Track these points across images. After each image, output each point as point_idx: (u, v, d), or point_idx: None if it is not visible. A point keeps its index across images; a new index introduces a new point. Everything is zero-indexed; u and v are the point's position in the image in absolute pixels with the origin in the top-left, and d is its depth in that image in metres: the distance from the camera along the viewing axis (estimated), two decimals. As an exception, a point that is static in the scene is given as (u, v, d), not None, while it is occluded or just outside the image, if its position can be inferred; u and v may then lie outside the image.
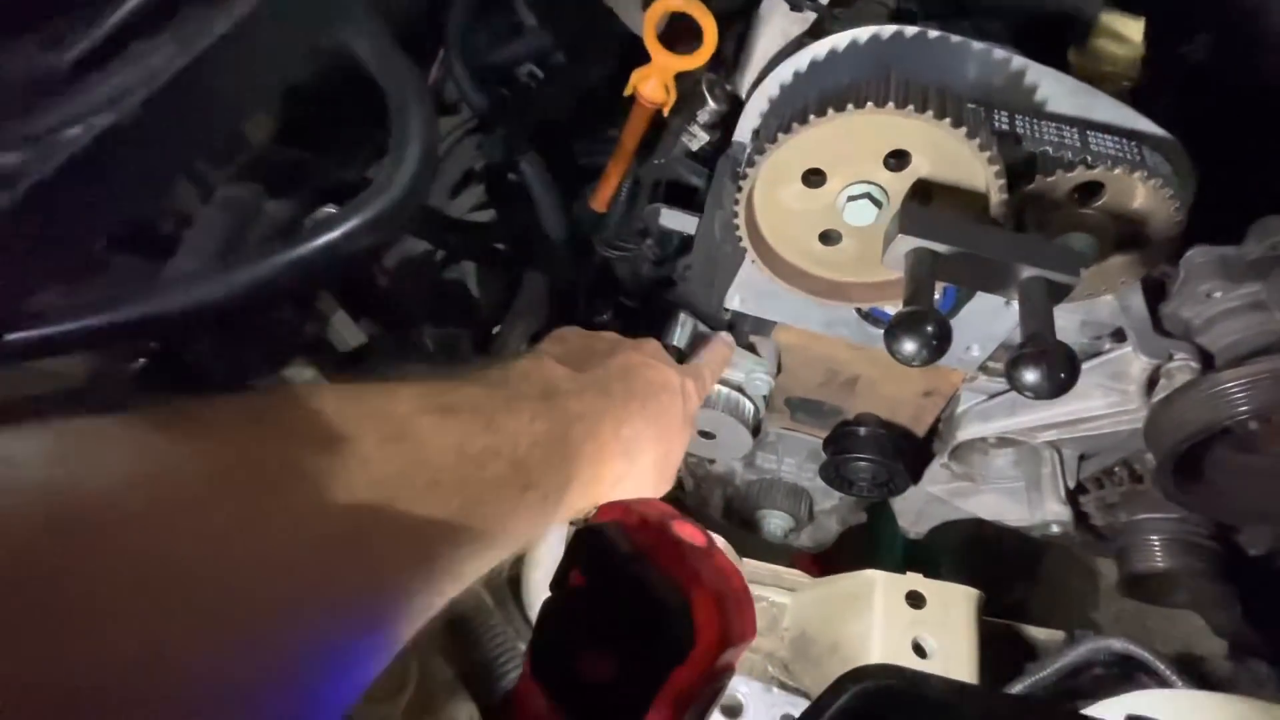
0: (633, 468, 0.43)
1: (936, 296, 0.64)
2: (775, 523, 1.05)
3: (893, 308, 0.66)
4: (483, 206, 1.15)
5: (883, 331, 0.47)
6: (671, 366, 0.51)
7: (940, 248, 0.48)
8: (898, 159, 0.53)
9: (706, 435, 0.89)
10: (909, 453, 0.89)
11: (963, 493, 0.93)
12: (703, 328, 0.81)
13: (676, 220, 0.74)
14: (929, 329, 0.43)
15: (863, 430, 0.88)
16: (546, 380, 0.39)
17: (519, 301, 0.72)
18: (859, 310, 0.72)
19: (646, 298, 0.84)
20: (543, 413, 0.36)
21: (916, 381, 0.84)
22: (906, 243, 0.49)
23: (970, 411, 0.83)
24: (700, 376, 0.61)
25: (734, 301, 0.76)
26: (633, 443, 0.43)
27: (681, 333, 0.79)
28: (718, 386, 0.86)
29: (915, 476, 0.93)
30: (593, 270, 0.82)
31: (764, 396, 0.88)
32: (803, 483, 1.06)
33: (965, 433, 0.83)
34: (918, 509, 1.04)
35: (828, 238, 0.62)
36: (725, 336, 0.77)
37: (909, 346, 0.44)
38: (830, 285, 0.65)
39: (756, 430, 0.99)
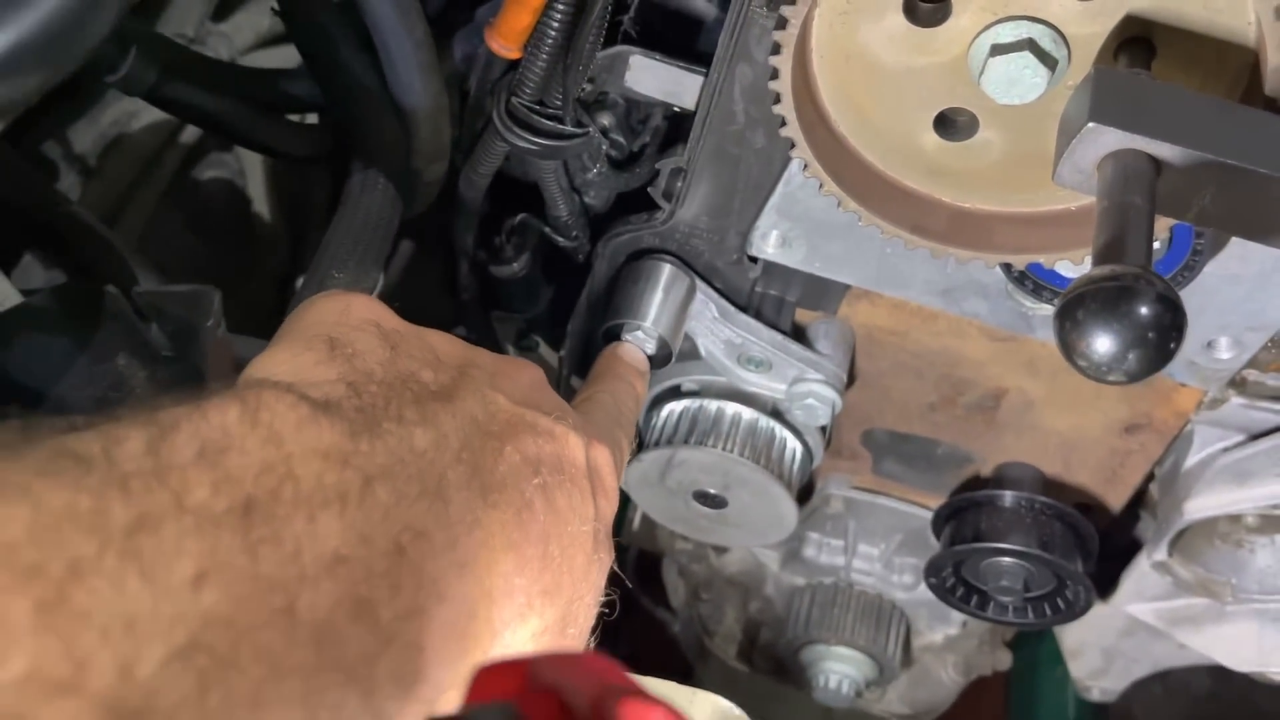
0: (524, 629, 0.45)
1: (1155, 246, 0.65)
2: (839, 671, 1.07)
3: (1071, 267, 0.66)
4: (276, 41, 1.13)
5: (1050, 311, 0.46)
6: (572, 428, 0.51)
7: (1169, 151, 0.48)
8: (1090, -27, 0.52)
9: (709, 501, 0.89)
10: (1092, 540, 0.90)
11: (1193, 617, 0.94)
12: (709, 300, 0.81)
13: (657, 78, 0.72)
14: (1145, 309, 0.43)
15: (1009, 497, 0.90)
16: (309, 443, 0.37)
17: (336, 231, 0.70)
18: (1006, 269, 0.71)
19: (596, 233, 0.83)
20: (333, 508, 0.35)
21: (1113, 406, 0.85)
22: (1104, 139, 0.48)
23: (1212, 467, 0.84)
24: (618, 445, 0.60)
25: (769, 242, 0.76)
26: (523, 594, 0.44)
27: (660, 310, 0.78)
28: (731, 408, 0.86)
29: (1103, 586, 0.95)
30: (486, 175, 0.80)
31: (822, 428, 0.88)
32: (892, 594, 1.09)
33: (1201, 505, 0.84)
34: (1106, 646, 1.07)
35: (950, 125, 0.61)
36: (627, 353, 0.75)
37: (1105, 343, 0.43)
38: (953, 218, 0.65)
39: (807, 494, 1.02)
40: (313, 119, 0.97)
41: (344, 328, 0.47)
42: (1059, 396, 0.86)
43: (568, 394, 0.76)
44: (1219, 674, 1.05)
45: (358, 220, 0.73)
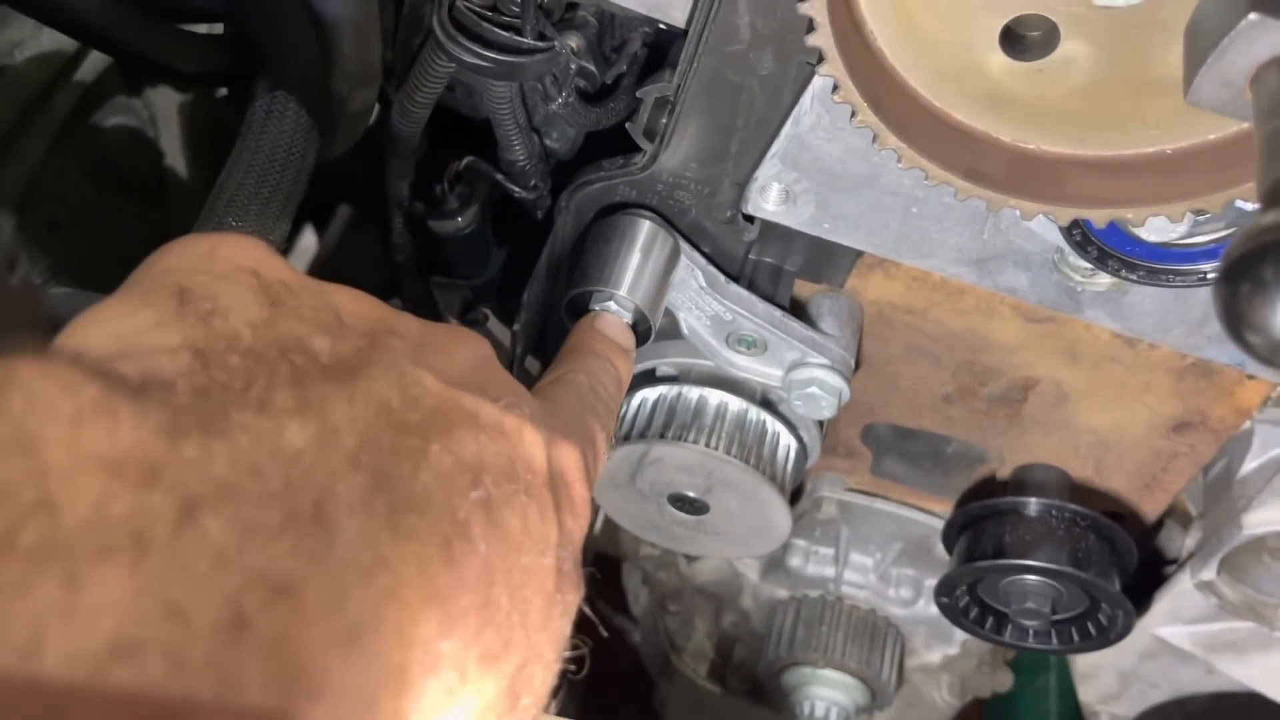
0: (455, 712, 0.32)
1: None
2: (826, 697, 0.96)
3: (1159, 227, 0.54)
4: None
5: (1108, 286, 0.35)
6: (527, 420, 0.39)
7: (1357, 56, 0.36)
8: None
9: (687, 506, 0.77)
10: (1131, 556, 0.80)
11: (1236, 643, 0.85)
12: (695, 267, 0.68)
13: (640, -14, 0.59)
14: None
15: (1034, 505, 0.79)
16: (90, 448, 0.24)
17: (234, 169, 0.57)
18: (1070, 230, 0.59)
19: (559, 182, 0.70)
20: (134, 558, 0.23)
21: (1163, 402, 0.75)
22: (1267, 39, 0.36)
23: (1278, 475, 0.73)
24: (591, 440, 0.47)
25: (769, 198, 0.65)
26: (452, 666, 0.31)
27: (637, 276, 0.65)
28: (715, 396, 0.74)
29: (1134, 604, 0.85)
30: (424, 105, 0.66)
31: (820, 423, 0.76)
32: (888, 610, 1.01)
33: (1265, 519, 0.74)
34: (1124, 669, 0.98)
35: (1019, 40, 0.49)
36: (607, 325, 0.61)
37: (1301, 317, 0.31)
38: (1016, 161, 0.53)
39: (794, 496, 0.91)
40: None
41: (205, 276, 0.34)
42: (1100, 389, 0.75)
43: (524, 379, 0.63)
44: (1233, 695, 0.98)
45: (260, 156, 0.60)
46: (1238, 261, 0.32)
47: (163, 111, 1.17)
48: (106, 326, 0.31)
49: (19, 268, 0.32)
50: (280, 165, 0.60)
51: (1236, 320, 0.33)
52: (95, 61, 1.02)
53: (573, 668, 0.40)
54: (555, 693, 0.40)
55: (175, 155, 1.18)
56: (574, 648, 0.40)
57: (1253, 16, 0.36)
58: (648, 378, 0.76)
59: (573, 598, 0.39)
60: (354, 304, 0.37)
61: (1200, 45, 0.39)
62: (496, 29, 0.57)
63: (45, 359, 0.25)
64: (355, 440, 0.30)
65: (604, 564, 1.20)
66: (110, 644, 0.21)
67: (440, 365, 0.37)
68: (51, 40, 1.01)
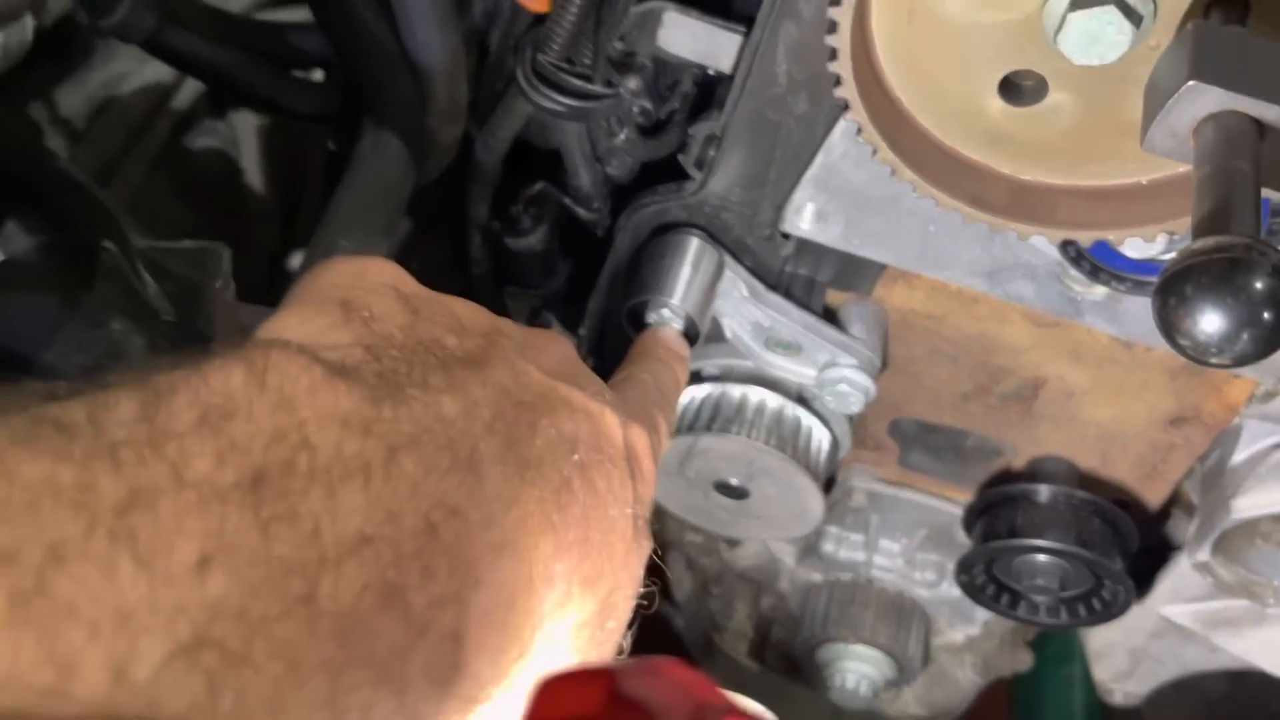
0: (563, 621, 0.41)
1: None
2: (857, 671, 1.03)
3: (1140, 246, 0.62)
4: (282, 1, 1.09)
5: (1104, 295, 0.43)
6: (608, 405, 0.47)
7: (1274, 114, 0.44)
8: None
9: (731, 492, 0.85)
10: (1132, 538, 0.87)
11: (1232, 620, 0.92)
12: (738, 279, 0.77)
13: (692, 37, 0.69)
14: (1260, 284, 0.39)
15: (1045, 491, 0.87)
16: (326, 408, 0.34)
17: (344, 194, 0.66)
18: (1062, 249, 0.68)
19: (617, 205, 0.79)
20: (346, 486, 0.32)
21: (1159, 398, 0.82)
22: (1204, 100, 0.45)
23: (1264, 464, 0.81)
24: (655, 427, 0.56)
25: (804, 217, 0.73)
26: (563, 582, 0.41)
27: (688, 287, 0.74)
28: (755, 393, 0.82)
29: (1138, 586, 0.92)
30: (505, 140, 0.76)
31: (851, 418, 0.84)
32: (914, 591, 1.06)
33: (1251, 504, 0.81)
34: (1134, 648, 1.04)
35: (1016, 89, 0.58)
36: (668, 337, 0.70)
37: (1214, 322, 0.40)
38: (1014, 190, 0.61)
39: (829, 486, 0.99)
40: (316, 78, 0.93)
41: (359, 290, 0.43)
42: (1102, 387, 0.82)
43: (588, 375, 0.72)
44: (1236, 677, 1.03)
45: (368, 184, 0.70)
46: (1167, 280, 0.41)
47: (244, 134, 1.26)
48: (293, 329, 0.40)
49: (229, 284, 0.41)
50: (383, 193, 0.69)
51: (1168, 327, 0.41)
52: (190, 90, 1.11)
53: (644, 603, 0.50)
54: (631, 624, 0.49)
55: (253, 173, 1.27)
56: (645, 586, 0.49)
57: (1192, 82, 0.45)
58: (695, 377, 0.84)
59: (646, 545, 0.48)
60: (469, 311, 0.47)
61: (1153, 102, 0.47)
62: (571, 78, 0.67)
63: (288, 347, 0.34)
64: (490, 413, 0.39)
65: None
66: (358, 535, 0.31)
67: (539, 360, 0.46)
68: (154, 72, 1.10)
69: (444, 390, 0.38)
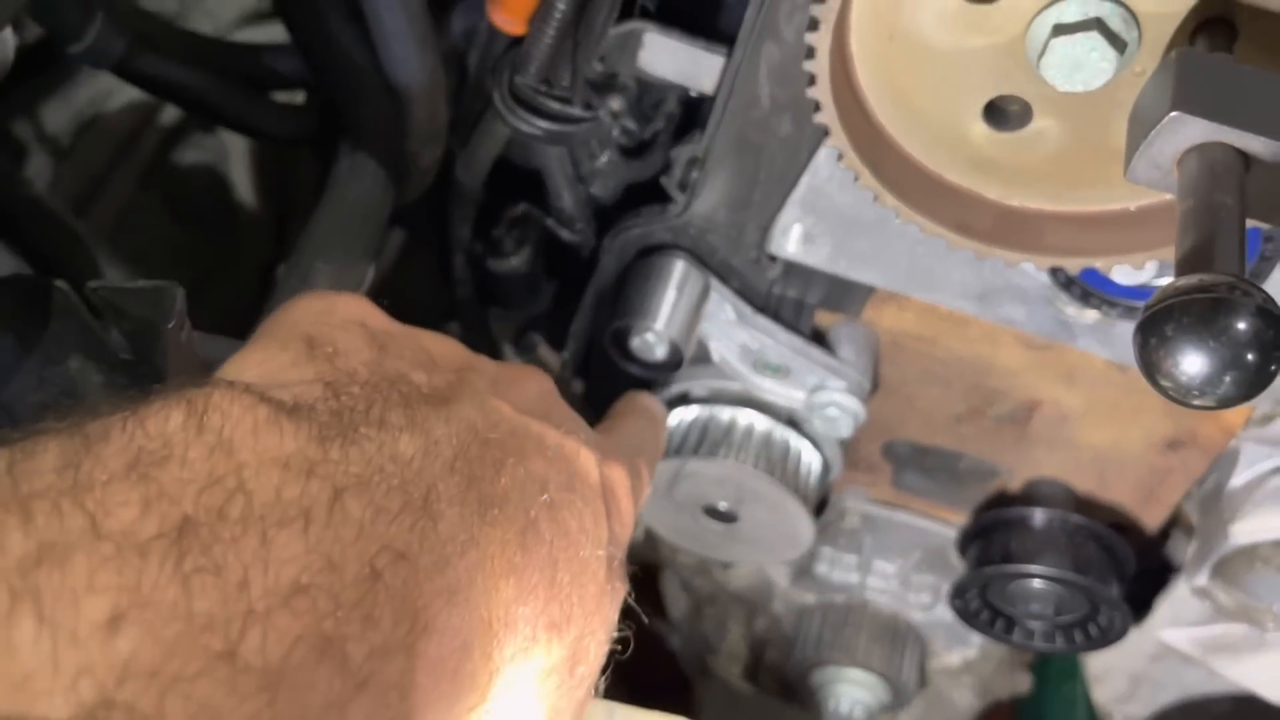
0: (528, 667, 0.40)
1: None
2: (851, 695, 1.02)
3: (1128, 273, 0.61)
4: (269, 16, 1.09)
5: (1096, 319, 0.43)
6: (584, 443, 0.47)
7: (1261, 146, 0.43)
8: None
9: (720, 516, 0.84)
10: (1129, 563, 0.86)
11: (1231, 645, 0.91)
12: (725, 301, 0.76)
13: (673, 58, 0.68)
14: (1243, 325, 0.38)
15: (1040, 515, 0.86)
16: (267, 450, 0.33)
17: (321, 218, 0.65)
18: (1053, 274, 0.67)
19: (603, 226, 0.78)
20: (298, 529, 0.31)
21: (1155, 421, 0.81)
22: (1187, 131, 0.44)
23: (1262, 488, 0.80)
24: (636, 471, 0.55)
25: (790, 239, 0.73)
26: (527, 626, 0.40)
27: (673, 311, 0.73)
28: (744, 416, 0.81)
29: (1136, 610, 0.91)
30: (484, 162, 0.75)
31: (841, 441, 0.83)
32: (909, 614, 1.05)
33: (1249, 529, 0.80)
34: (1134, 671, 1.03)
35: (1001, 114, 0.57)
36: (647, 402, 0.66)
37: (1196, 364, 0.39)
38: (1000, 216, 0.60)
39: (821, 507, 0.98)
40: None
41: (325, 326, 0.42)
42: (1097, 410, 0.81)
43: (571, 399, 0.71)
44: (1240, 701, 1.02)
45: (345, 207, 0.69)
46: (1146, 320, 0.40)
47: (232, 148, 1.25)
48: (255, 367, 0.39)
49: (183, 323, 0.40)
50: (361, 216, 0.69)
51: (1149, 368, 0.40)
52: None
53: (619, 648, 0.49)
54: (604, 670, 0.48)
55: (243, 187, 1.27)
56: (620, 631, 0.48)
57: (1174, 113, 0.44)
58: (683, 399, 0.84)
59: (620, 588, 0.47)
60: (441, 346, 0.46)
61: (1137, 132, 0.46)
62: (549, 101, 0.66)
63: (232, 388, 0.33)
64: (451, 451, 0.38)
65: (644, 572, 1.28)
66: (292, 585, 0.30)
67: (513, 396, 0.45)
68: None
69: (403, 428, 0.37)
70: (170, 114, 1.11)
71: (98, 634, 0.26)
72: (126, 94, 1.07)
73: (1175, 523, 0.93)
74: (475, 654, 0.36)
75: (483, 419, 0.42)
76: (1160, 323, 0.39)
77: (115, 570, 0.27)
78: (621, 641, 0.49)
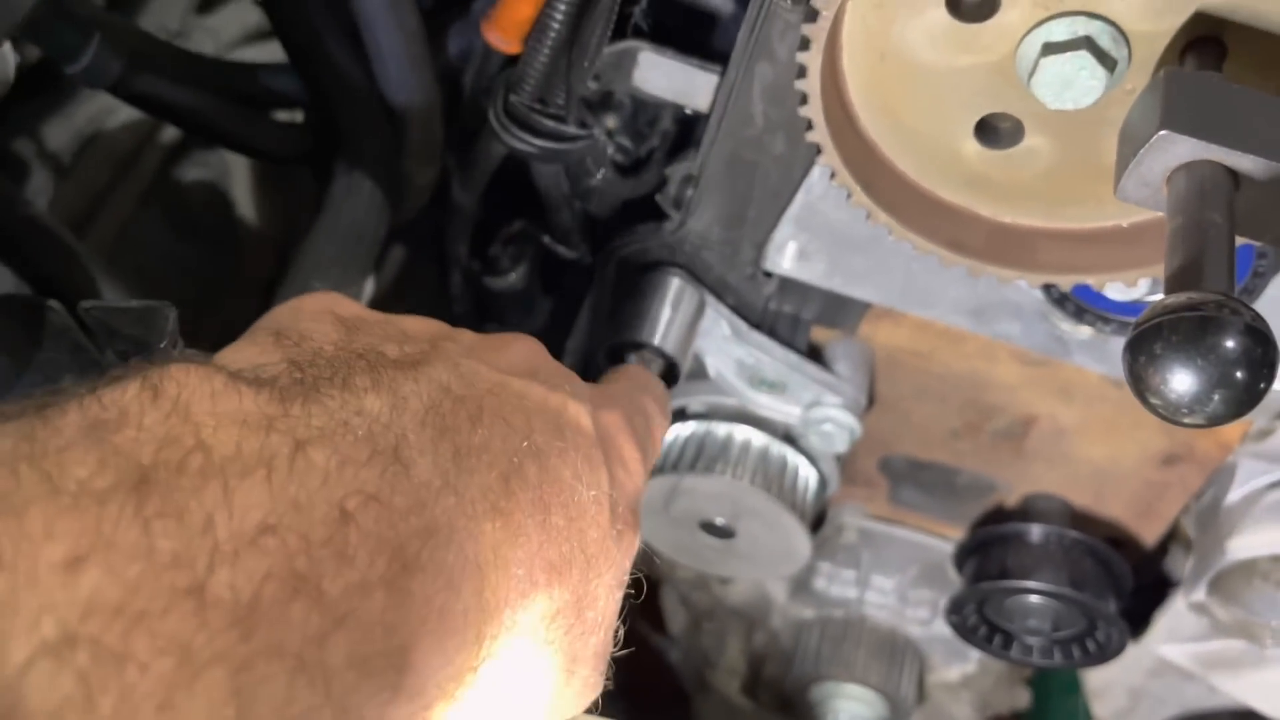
0: (530, 610, 0.40)
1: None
2: (849, 710, 1.01)
3: (1121, 289, 0.62)
4: (265, 37, 1.09)
5: (1090, 335, 0.43)
6: (571, 395, 0.47)
7: (1250, 164, 0.43)
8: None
9: (717, 532, 0.84)
10: (1126, 578, 0.86)
11: (1230, 661, 0.91)
12: (720, 317, 0.76)
13: (668, 77, 0.68)
14: (1231, 343, 0.38)
15: (1037, 531, 0.86)
16: (226, 411, 0.33)
17: (317, 236, 0.65)
18: (1046, 290, 0.67)
19: (598, 243, 0.78)
20: (283, 497, 0.32)
21: (1151, 437, 0.81)
22: (1176, 149, 0.44)
23: (1259, 503, 0.79)
24: (642, 411, 0.55)
25: (786, 256, 0.73)
26: (521, 567, 0.40)
27: (668, 327, 0.73)
28: (740, 432, 0.81)
29: (1131, 623, 0.90)
30: (480, 181, 0.75)
31: (837, 456, 0.83)
32: (907, 629, 1.05)
33: (1246, 544, 0.80)
34: (1133, 686, 1.03)
35: (992, 131, 0.57)
36: (635, 369, 0.67)
37: (1186, 382, 0.38)
38: (993, 233, 0.60)
39: (819, 523, 0.98)
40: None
41: (294, 321, 0.43)
42: (1093, 425, 0.81)
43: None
44: (1241, 717, 1.02)
45: (341, 226, 0.69)
46: (1135, 338, 0.40)
47: (234, 165, 1.25)
48: (223, 360, 0.40)
49: (176, 343, 0.40)
50: (356, 235, 0.69)
51: (1138, 386, 0.40)
52: (178, 123, 1.11)
53: (633, 592, 0.48)
54: (622, 615, 0.47)
55: (245, 204, 1.27)
56: (634, 575, 0.48)
57: (1163, 132, 0.44)
58: (679, 415, 0.84)
59: (629, 534, 0.47)
60: (418, 324, 0.46)
61: (1126, 150, 0.46)
62: (544, 119, 0.66)
63: (189, 360, 0.34)
64: (421, 406, 0.38)
65: (644, 586, 1.27)
66: (259, 526, 0.30)
67: (493, 359, 0.45)
68: (141, 106, 1.09)
69: (368, 389, 0.38)
70: (171, 132, 1.12)
71: (58, 574, 0.26)
72: (127, 112, 1.07)
73: (1173, 538, 0.93)
74: (464, 592, 0.36)
75: (456, 378, 0.42)
76: (1149, 341, 0.39)
77: (74, 517, 0.27)
78: (634, 584, 0.49)
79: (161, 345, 0.41)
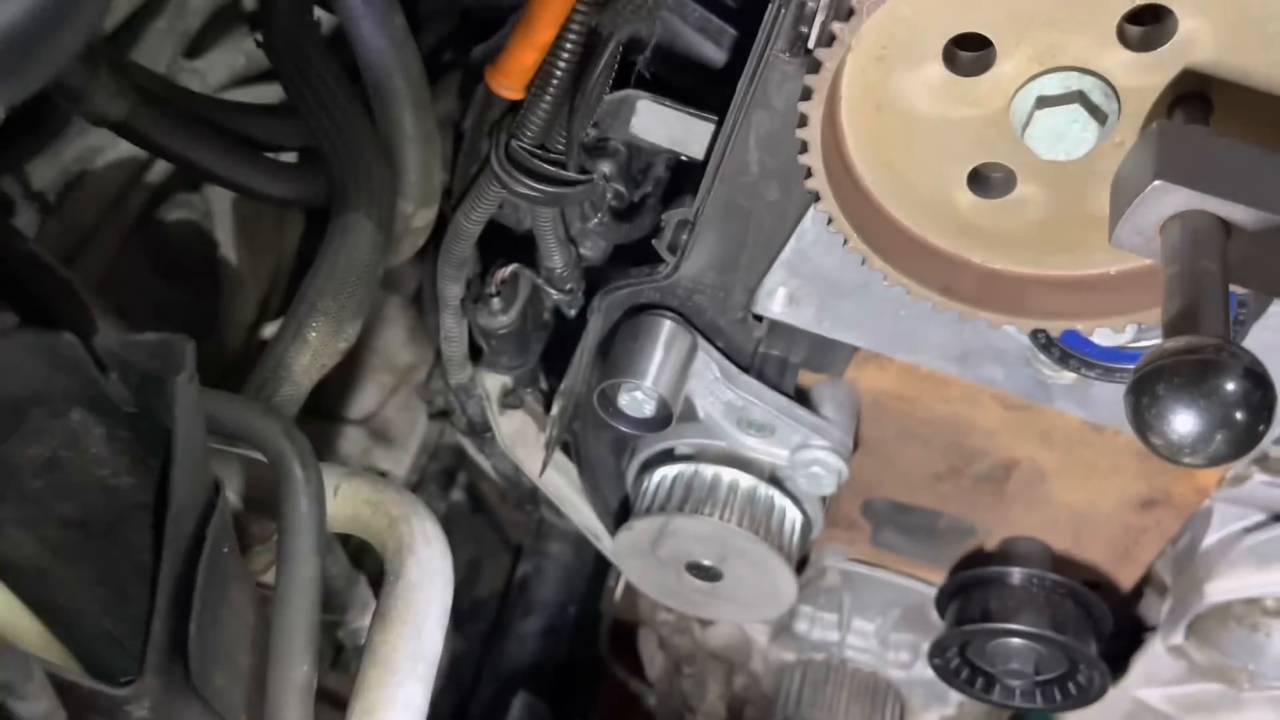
0: None
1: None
2: None
3: (1106, 335, 0.63)
4: (258, 79, 1.09)
5: (1073, 380, 0.43)
6: None
7: (1241, 214, 0.45)
8: (1149, 22, 0.49)
9: (703, 574, 0.84)
10: (1106, 621, 0.86)
11: (1207, 704, 0.91)
12: (711, 360, 0.76)
13: (665, 125, 0.69)
14: (1231, 385, 0.39)
15: (1017, 574, 0.86)
16: None
17: (317, 276, 0.65)
18: (1034, 335, 0.68)
19: (590, 286, 0.78)
20: None
21: (1129, 481, 0.82)
22: (1170, 199, 0.45)
23: (1235, 548, 0.80)
24: None
25: (776, 301, 0.73)
26: None
27: (660, 369, 0.73)
28: (728, 474, 0.81)
29: (1112, 669, 0.91)
30: (478, 223, 0.75)
31: (823, 498, 0.83)
32: (888, 672, 1.05)
33: (1223, 588, 0.81)
34: None
35: (984, 181, 0.58)
36: None
37: (1187, 423, 0.39)
38: (983, 279, 0.61)
39: (800, 566, 0.98)
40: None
41: None
42: (1073, 469, 0.82)
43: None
44: None
45: (339, 268, 0.68)
46: (1138, 381, 0.41)
47: (218, 207, 1.25)
48: None
49: (193, 377, 0.41)
50: (355, 277, 0.68)
51: (1141, 427, 0.41)
52: (164, 164, 1.11)
53: None
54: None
55: (227, 246, 1.26)
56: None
57: (1157, 182, 0.45)
58: (666, 457, 0.84)
59: None
60: None
61: (1120, 200, 0.48)
62: (545, 164, 0.67)
63: None
64: None
65: (620, 629, 1.26)
66: None
67: None
68: (128, 146, 1.09)
69: None
70: (157, 173, 1.11)
71: None
72: (114, 152, 1.06)
73: (1147, 582, 0.94)
74: None
75: None
76: (1151, 383, 0.40)
77: None
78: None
79: (179, 378, 0.40)
